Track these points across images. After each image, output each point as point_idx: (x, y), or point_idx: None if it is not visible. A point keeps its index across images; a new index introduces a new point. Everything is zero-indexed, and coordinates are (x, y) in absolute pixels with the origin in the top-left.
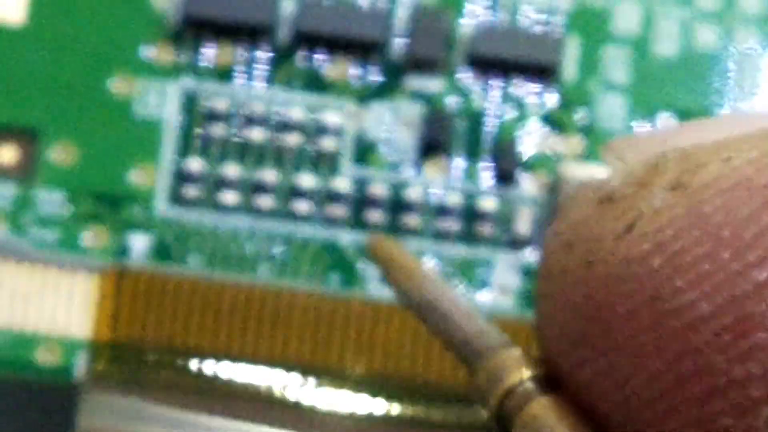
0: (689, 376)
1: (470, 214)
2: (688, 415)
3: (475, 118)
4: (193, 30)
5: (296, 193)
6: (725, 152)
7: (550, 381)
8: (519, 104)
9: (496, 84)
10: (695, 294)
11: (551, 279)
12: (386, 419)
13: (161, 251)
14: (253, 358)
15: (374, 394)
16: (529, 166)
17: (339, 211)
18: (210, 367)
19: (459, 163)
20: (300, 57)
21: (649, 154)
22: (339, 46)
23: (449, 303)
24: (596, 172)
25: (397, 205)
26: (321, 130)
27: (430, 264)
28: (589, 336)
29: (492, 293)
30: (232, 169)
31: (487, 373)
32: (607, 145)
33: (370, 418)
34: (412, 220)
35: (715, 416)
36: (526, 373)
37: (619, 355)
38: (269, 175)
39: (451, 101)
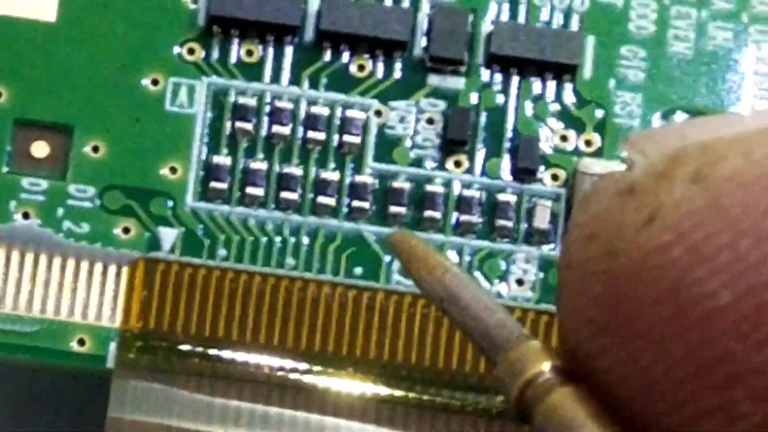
0: (709, 363)
1: (490, 209)
2: (708, 401)
3: (496, 115)
4: (222, 29)
5: (321, 187)
6: (745, 146)
7: (570, 372)
8: (538, 102)
9: (515, 82)
10: (715, 284)
11: (573, 269)
12: (407, 405)
13: (190, 243)
14: (280, 348)
15: (397, 383)
16: (548, 161)
17: (363, 204)
18: (237, 355)
19: (479, 158)
20: (325, 55)
21: (669, 147)
22: (363, 44)
23: (470, 295)
24: (613, 167)
25: (420, 200)
26: (345, 126)
27: (451, 257)
28: (610, 325)
29: (511, 286)
30: (259, 164)
31: (508, 364)
32: (626, 138)
33: (392, 405)
34: (433, 214)
35: (734, 403)
36: (546, 364)
37: (640, 344)
38: (295, 169)
39: (472, 98)
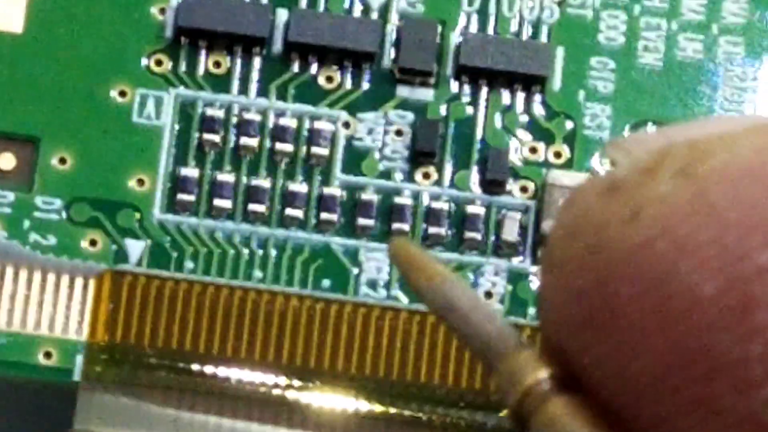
0: (691, 357)
1: (459, 220)
2: (689, 395)
3: (465, 127)
4: (190, 40)
5: (289, 199)
6: (731, 142)
7: (568, 380)
8: (507, 113)
9: (484, 93)
10: (699, 276)
11: (556, 267)
12: (375, 419)
13: (157, 256)
14: (247, 360)
15: (364, 395)
16: (517, 173)
17: (331, 217)
18: (205, 368)
19: (448, 170)
20: (293, 67)
21: (654, 146)
22: (332, 56)
23: (468, 304)
24: (582, 179)
25: (388, 212)
26: (314, 138)
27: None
28: (592, 320)
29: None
30: (226, 176)
31: (506, 373)
32: (611, 141)
33: (359, 418)
34: (402, 226)
35: (715, 396)
36: (543, 373)
37: (622, 338)
38: (263, 181)
39: (441, 110)
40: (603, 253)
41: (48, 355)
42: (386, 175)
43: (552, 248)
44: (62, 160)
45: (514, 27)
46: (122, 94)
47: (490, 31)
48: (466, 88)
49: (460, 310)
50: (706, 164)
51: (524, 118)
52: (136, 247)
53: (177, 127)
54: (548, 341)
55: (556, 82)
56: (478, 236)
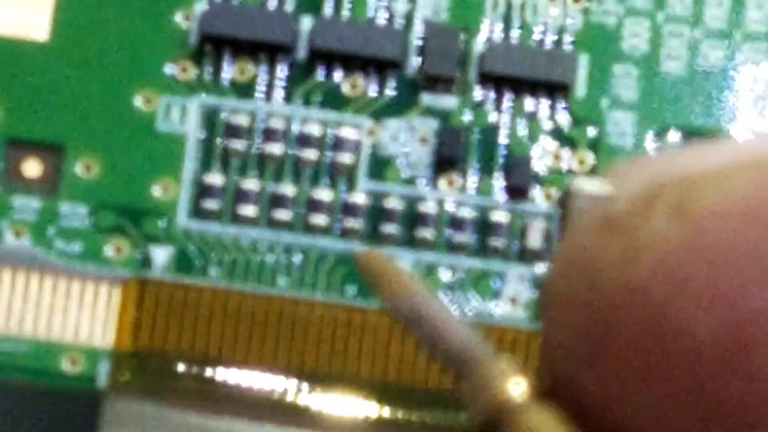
0: (688, 399)
1: (483, 228)
2: None
3: (489, 134)
4: (214, 48)
5: (314, 206)
6: (724, 179)
7: (538, 391)
8: (531, 120)
9: (508, 101)
10: (696, 321)
11: (557, 303)
12: (399, 426)
13: (182, 263)
14: (272, 367)
15: (390, 403)
16: (541, 180)
17: (355, 224)
18: (230, 375)
19: (472, 177)
20: (318, 74)
21: (650, 179)
22: (356, 63)
23: (436, 314)
24: (605, 187)
25: (412, 219)
26: (338, 145)
27: (443, 276)
28: (592, 359)
29: (504, 305)
30: (251, 183)
31: (474, 383)
32: (611, 169)
33: (383, 425)
34: (426, 233)
35: None
36: (512, 383)
37: (621, 380)
38: (287, 188)
39: (465, 117)
40: (601, 293)
41: (73, 362)
42: (410, 182)
43: (554, 282)
44: (87, 168)
45: (537, 34)
46: (147, 101)
47: (514, 38)
48: (490, 96)
49: (428, 320)
50: (699, 203)
51: (548, 126)
52: (160, 254)
53: (201, 134)
54: (550, 370)
55: (580, 90)
56: (502, 243)
